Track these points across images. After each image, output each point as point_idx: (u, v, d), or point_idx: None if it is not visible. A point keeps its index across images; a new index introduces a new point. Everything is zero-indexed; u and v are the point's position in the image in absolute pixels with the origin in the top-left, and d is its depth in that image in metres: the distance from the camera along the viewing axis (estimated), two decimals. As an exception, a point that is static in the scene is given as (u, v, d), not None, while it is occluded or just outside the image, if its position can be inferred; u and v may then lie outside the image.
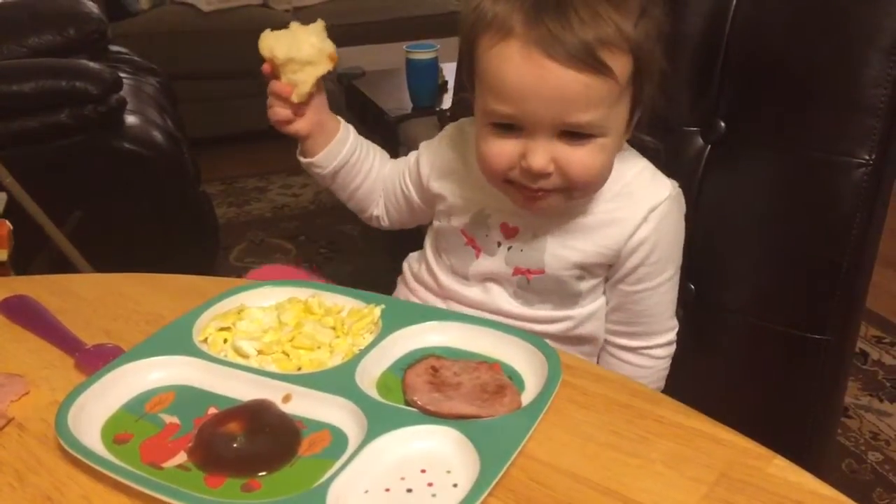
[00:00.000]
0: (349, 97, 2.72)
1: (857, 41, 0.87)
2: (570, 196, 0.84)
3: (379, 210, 1.05)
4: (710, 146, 0.99)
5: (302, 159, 1.00)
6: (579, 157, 0.80)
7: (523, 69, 0.76)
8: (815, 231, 0.92)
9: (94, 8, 2.54)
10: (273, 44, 0.90)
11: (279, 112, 0.93)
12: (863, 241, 0.89)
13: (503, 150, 0.81)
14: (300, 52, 0.89)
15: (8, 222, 1.36)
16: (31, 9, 2.47)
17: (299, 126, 0.95)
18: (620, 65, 0.76)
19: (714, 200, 0.98)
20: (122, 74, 2.16)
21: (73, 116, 1.97)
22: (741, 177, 0.96)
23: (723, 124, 0.98)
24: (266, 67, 0.92)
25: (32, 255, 1.84)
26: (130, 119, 2.10)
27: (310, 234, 2.79)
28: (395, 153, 2.40)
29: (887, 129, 0.86)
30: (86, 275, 1.22)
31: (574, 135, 0.79)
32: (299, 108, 0.94)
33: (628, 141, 0.89)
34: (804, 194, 0.92)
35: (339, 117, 0.99)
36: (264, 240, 2.80)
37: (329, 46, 0.90)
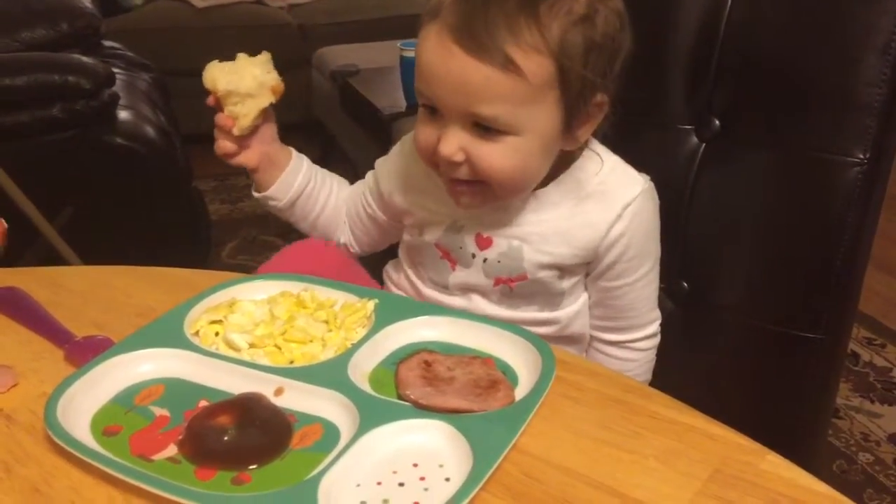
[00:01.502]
0: (343, 95, 2.71)
1: (852, 40, 0.87)
2: (492, 194, 0.83)
3: (346, 237, 1.03)
4: (704, 144, 0.99)
5: (256, 194, 0.99)
6: (488, 152, 0.79)
7: (434, 52, 0.77)
8: (809, 229, 0.92)
9: (87, 3, 2.53)
10: (216, 75, 0.89)
11: (223, 145, 0.93)
12: (857, 240, 0.89)
13: (426, 132, 0.82)
14: (240, 84, 0.88)
15: (3, 220, 1.34)
16: (23, 3, 2.46)
17: (245, 159, 0.94)
18: (534, 66, 0.75)
19: (708, 198, 0.98)
20: (115, 70, 2.15)
21: (65, 111, 1.96)
22: (735, 175, 0.96)
23: (717, 122, 0.98)
24: (211, 99, 0.91)
25: (23, 250, 1.83)
26: (123, 114, 2.09)
27: (302, 233, 2.78)
28: (387, 151, 2.39)
29: (882, 128, 0.87)
30: (76, 267, 1.21)
31: (485, 128, 0.78)
32: (244, 141, 0.93)
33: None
34: (798, 193, 0.93)
35: (290, 148, 0.98)
36: (257, 237, 2.79)
37: (272, 79, 0.90)
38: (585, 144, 0.88)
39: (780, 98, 0.93)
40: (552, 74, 0.76)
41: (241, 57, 0.90)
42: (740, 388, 1.00)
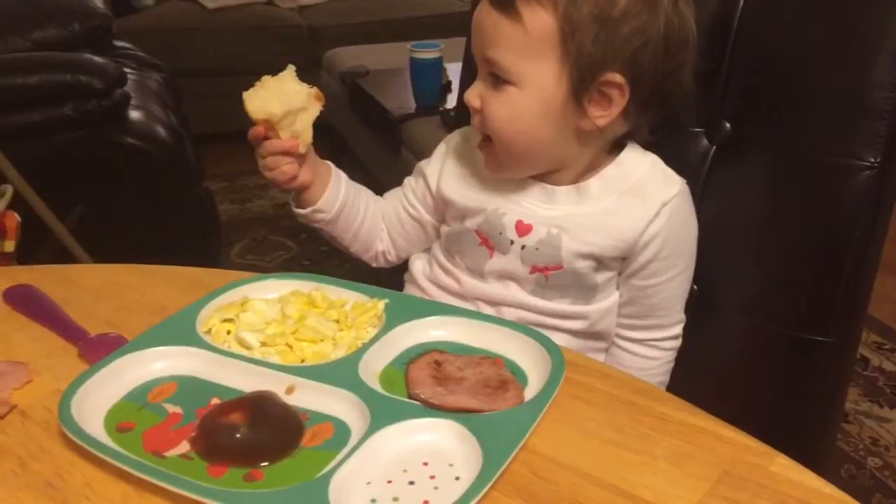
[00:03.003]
0: (352, 96, 2.72)
1: (863, 43, 0.87)
2: (498, 153, 0.88)
3: (384, 244, 1.03)
4: (715, 147, 0.99)
5: (301, 211, 0.97)
6: (492, 99, 0.85)
7: (477, 11, 0.84)
8: (819, 233, 0.92)
9: (99, 3, 2.55)
10: (261, 104, 0.86)
11: (289, 169, 0.90)
12: (867, 244, 0.89)
13: (468, 90, 0.88)
14: (293, 101, 0.87)
15: (16, 214, 1.36)
16: (35, 3, 2.47)
17: (304, 177, 0.93)
18: (535, 19, 0.80)
19: (718, 201, 0.98)
20: (126, 70, 2.16)
21: (76, 110, 1.97)
22: (746, 178, 0.96)
23: (728, 125, 0.98)
24: (259, 129, 0.88)
25: (35, 249, 1.85)
26: (134, 114, 2.10)
27: (311, 232, 2.77)
28: (397, 153, 2.41)
29: (892, 131, 0.86)
30: (89, 265, 1.22)
31: (497, 78, 0.84)
32: (301, 160, 0.92)
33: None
34: (809, 196, 0.92)
35: (325, 160, 0.98)
36: (266, 237, 2.80)
37: (311, 88, 0.89)
38: (625, 141, 0.90)
39: (791, 101, 0.93)
40: (553, 32, 0.80)
41: (268, 78, 0.87)
42: (749, 390, 1.00)
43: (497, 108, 0.85)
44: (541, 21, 0.80)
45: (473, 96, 0.86)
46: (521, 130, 0.85)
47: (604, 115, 0.84)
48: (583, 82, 0.82)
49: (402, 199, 1.01)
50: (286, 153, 0.90)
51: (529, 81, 0.83)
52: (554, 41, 0.80)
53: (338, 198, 0.96)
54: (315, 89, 0.89)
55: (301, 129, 0.89)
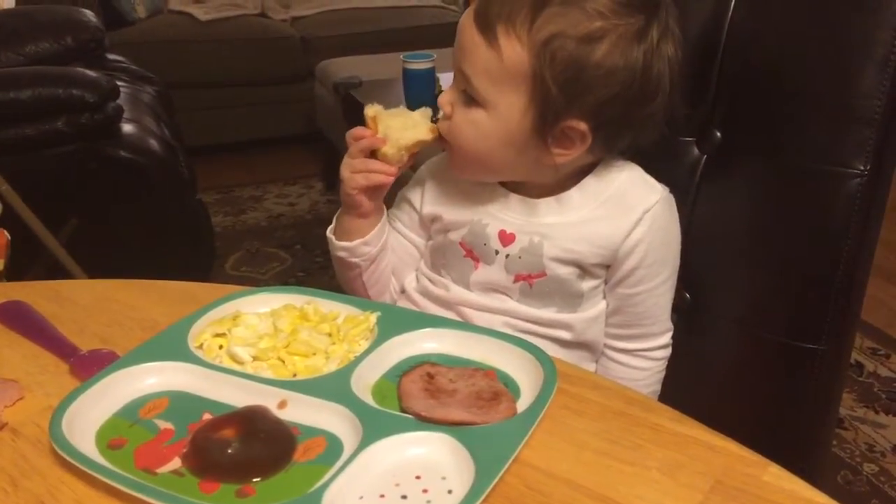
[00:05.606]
0: (346, 106, 2.72)
1: (852, 52, 0.88)
2: (453, 159, 0.90)
3: (393, 282, 1.03)
4: (705, 156, 0.99)
5: (345, 243, 0.96)
6: (461, 115, 0.86)
7: (461, 22, 0.85)
8: (810, 241, 0.92)
9: (91, 16, 2.55)
10: (379, 108, 0.90)
11: (378, 178, 0.91)
12: (857, 251, 0.89)
13: None
14: (405, 117, 0.89)
15: (6, 232, 1.35)
16: (28, 17, 2.48)
17: (370, 204, 0.93)
18: (511, 51, 0.80)
19: (709, 210, 0.98)
20: (118, 83, 2.16)
21: (69, 124, 1.97)
22: (736, 186, 0.97)
23: (718, 134, 0.98)
24: (361, 130, 0.91)
25: (28, 264, 1.84)
26: (127, 127, 2.10)
27: (305, 244, 2.80)
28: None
29: (882, 139, 0.87)
30: (80, 281, 1.22)
31: (469, 96, 0.84)
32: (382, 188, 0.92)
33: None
34: (799, 204, 0.93)
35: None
36: (260, 249, 2.80)
37: (432, 123, 0.91)
38: (600, 160, 0.90)
39: (781, 110, 0.93)
40: (525, 68, 0.80)
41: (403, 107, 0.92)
42: (743, 398, 1.00)
43: (463, 126, 0.86)
44: (516, 54, 0.80)
45: (446, 102, 0.87)
46: (482, 151, 0.86)
47: (564, 155, 0.85)
48: (545, 123, 0.82)
49: (393, 233, 1.01)
50: (373, 151, 0.91)
51: (498, 109, 0.83)
52: (525, 76, 0.80)
53: (383, 235, 0.98)
54: (435, 125, 0.90)
55: (403, 141, 0.89)
